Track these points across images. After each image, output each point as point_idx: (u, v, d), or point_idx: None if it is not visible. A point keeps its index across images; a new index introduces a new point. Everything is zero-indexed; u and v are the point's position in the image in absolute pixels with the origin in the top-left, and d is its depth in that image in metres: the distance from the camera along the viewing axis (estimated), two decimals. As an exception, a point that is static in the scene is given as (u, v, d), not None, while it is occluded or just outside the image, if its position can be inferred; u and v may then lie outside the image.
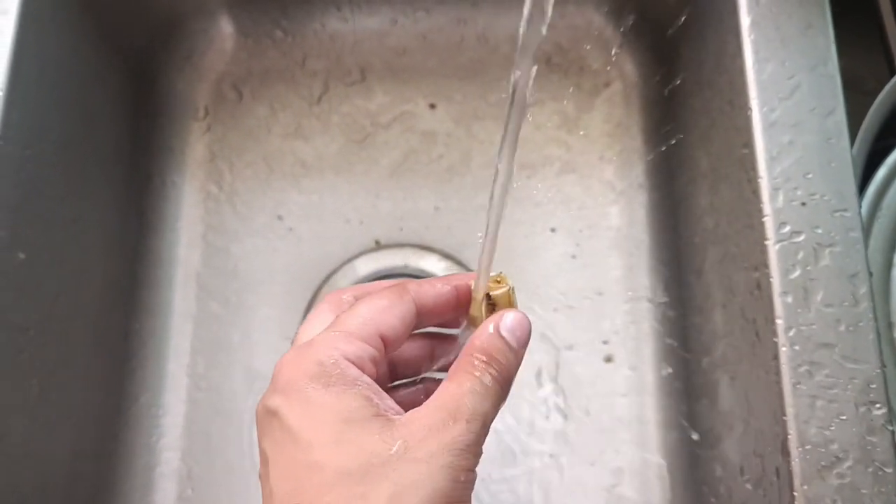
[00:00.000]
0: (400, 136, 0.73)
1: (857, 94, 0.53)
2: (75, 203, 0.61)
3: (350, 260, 0.70)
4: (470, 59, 0.75)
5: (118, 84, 0.68)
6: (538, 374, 0.66)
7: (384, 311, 0.34)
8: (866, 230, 0.52)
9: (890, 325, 0.51)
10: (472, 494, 0.31)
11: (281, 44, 0.75)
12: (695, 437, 0.60)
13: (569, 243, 0.70)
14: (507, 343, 0.34)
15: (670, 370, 0.65)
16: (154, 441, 0.66)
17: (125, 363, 0.66)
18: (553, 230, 0.70)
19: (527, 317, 0.35)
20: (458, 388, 0.32)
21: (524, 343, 0.35)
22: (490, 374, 0.33)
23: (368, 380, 0.32)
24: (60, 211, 0.59)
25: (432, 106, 0.74)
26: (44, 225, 0.57)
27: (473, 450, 0.30)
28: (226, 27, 0.75)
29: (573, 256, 0.69)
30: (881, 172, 0.54)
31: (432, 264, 0.69)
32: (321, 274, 0.70)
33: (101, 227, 0.64)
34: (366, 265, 0.70)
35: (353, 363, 0.32)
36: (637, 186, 0.70)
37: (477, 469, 0.31)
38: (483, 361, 0.33)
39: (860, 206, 0.47)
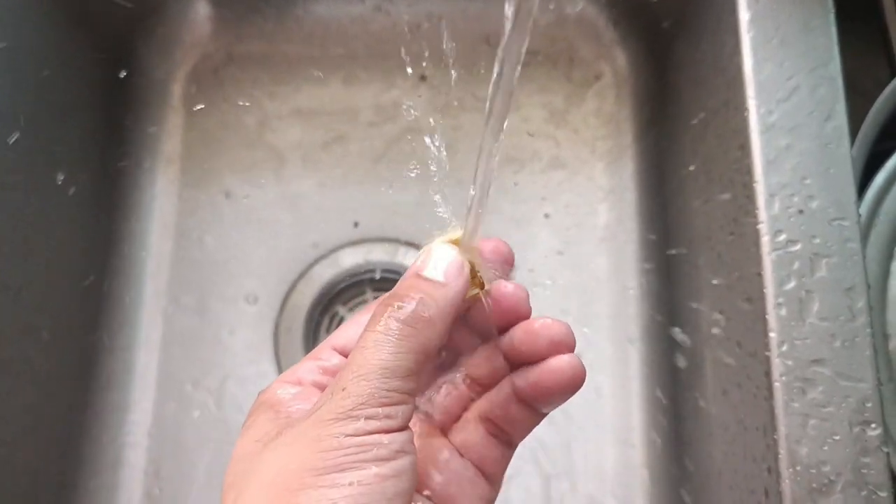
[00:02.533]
0: (383, 126, 0.71)
1: (855, 96, 0.51)
2: (44, 194, 0.58)
3: (329, 253, 0.68)
4: (456, 48, 0.72)
5: (92, 70, 0.66)
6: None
7: (344, 330, 0.35)
8: (863, 238, 0.50)
9: (886, 336, 0.50)
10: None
11: (262, 29, 0.73)
12: (681, 452, 0.59)
13: (556, 240, 0.68)
14: (420, 277, 0.30)
15: (657, 381, 0.63)
16: (121, 438, 0.64)
17: (92, 358, 0.64)
18: (540, 226, 0.68)
19: (448, 248, 0.32)
20: (352, 352, 0.29)
21: (454, 273, 0.31)
22: (394, 318, 0.29)
23: (298, 393, 0.32)
24: (28, 202, 0.57)
25: (417, 96, 0.71)
26: (8, 217, 0.54)
27: (351, 413, 0.27)
28: (204, 11, 0.72)
29: (560, 252, 0.68)
30: (879, 178, 0.52)
31: (412, 258, 0.67)
32: (299, 267, 0.68)
33: (71, 218, 0.62)
34: (345, 258, 0.68)
35: (291, 383, 0.32)
36: (626, 184, 0.69)
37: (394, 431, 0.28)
38: (385, 306, 0.29)
39: (859, 215, 0.46)
